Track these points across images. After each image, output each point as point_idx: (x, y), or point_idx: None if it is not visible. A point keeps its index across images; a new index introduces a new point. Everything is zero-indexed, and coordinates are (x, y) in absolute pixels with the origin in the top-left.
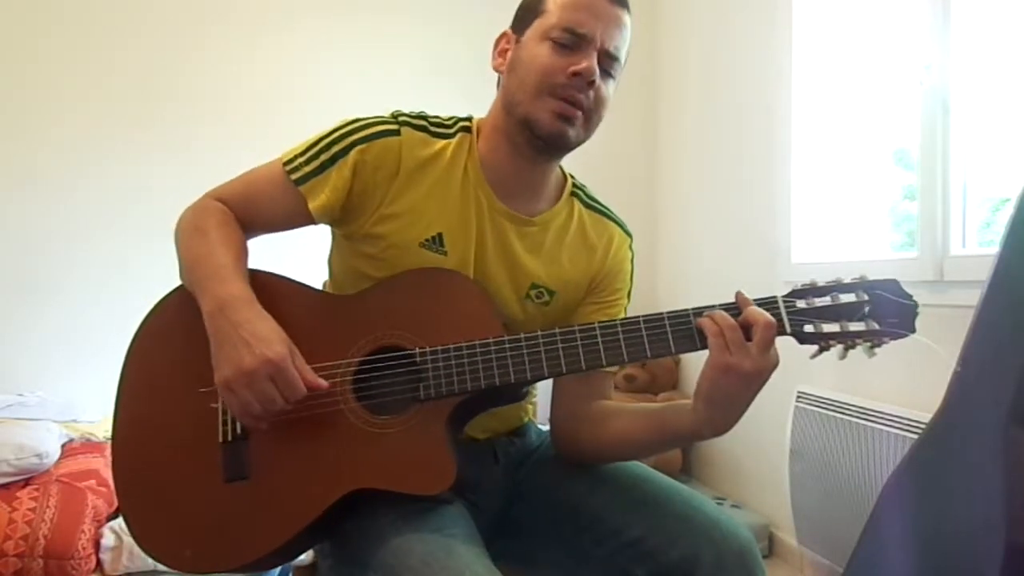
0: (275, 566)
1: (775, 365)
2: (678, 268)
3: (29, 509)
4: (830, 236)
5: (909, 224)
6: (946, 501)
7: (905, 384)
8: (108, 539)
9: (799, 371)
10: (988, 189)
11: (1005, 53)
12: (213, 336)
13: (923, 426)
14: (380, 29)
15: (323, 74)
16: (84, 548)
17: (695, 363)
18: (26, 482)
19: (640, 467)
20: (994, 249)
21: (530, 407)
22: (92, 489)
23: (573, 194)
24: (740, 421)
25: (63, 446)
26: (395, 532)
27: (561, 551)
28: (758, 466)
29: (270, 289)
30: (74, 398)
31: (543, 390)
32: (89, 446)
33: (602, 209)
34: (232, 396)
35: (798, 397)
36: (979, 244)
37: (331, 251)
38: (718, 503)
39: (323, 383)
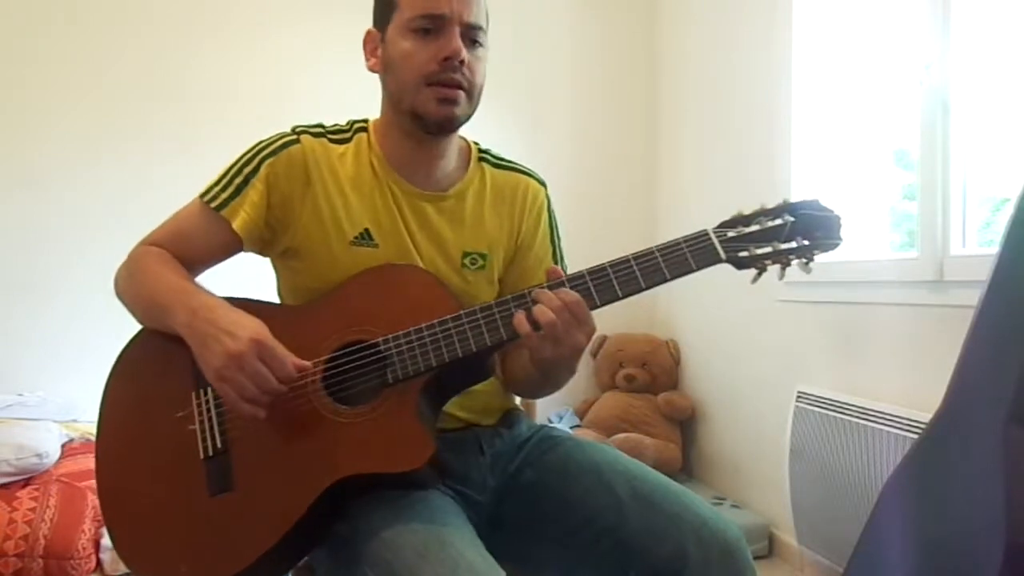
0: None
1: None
2: None
3: (29, 509)
4: None
5: (909, 224)
6: (946, 501)
7: (905, 384)
8: (108, 539)
9: (799, 371)
10: (988, 189)
11: (1005, 53)
12: (193, 341)
13: (923, 426)
14: None
15: (323, 74)
16: (84, 548)
17: (695, 364)
18: (26, 482)
19: (634, 464)
20: (994, 249)
21: (516, 397)
22: (92, 489)
23: (481, 159)
24: (740, 421)
25: (63, 446)
26: (387, 527)
27: (554, 549)
28: (758, 466)
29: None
30: (74, 398)
31: None
32: (89, 446)
33: (511, 165)
34: (226, 385)
35: (798, 397)
36: (979, 244)
37: (277, 284)
38: (718, 503)
39: (304, 363)
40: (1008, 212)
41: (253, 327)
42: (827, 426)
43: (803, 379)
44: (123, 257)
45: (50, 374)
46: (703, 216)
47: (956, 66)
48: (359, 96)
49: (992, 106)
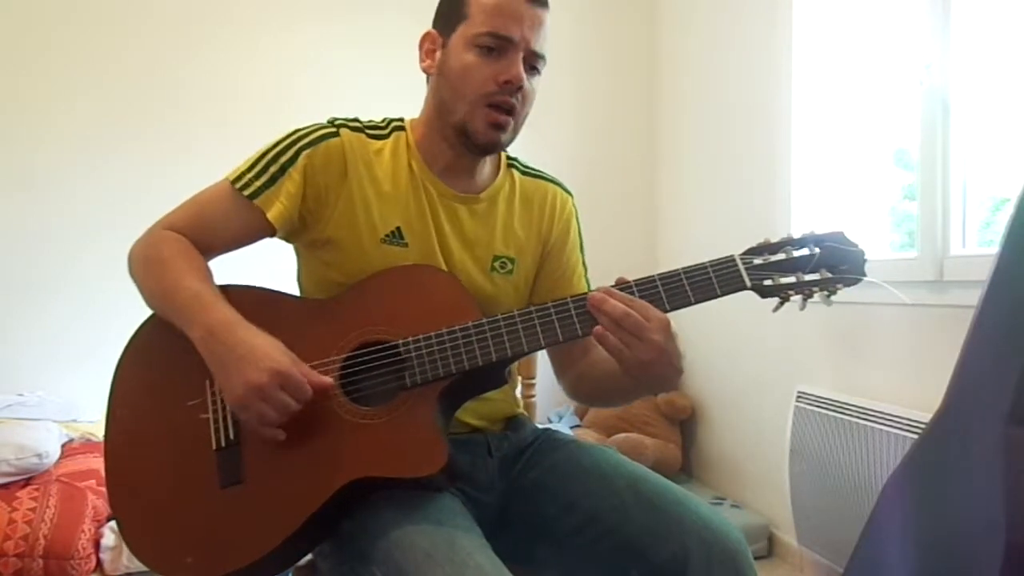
0: (277, 572)
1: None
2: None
3: (29, 509)
4: None
5: (909, 224)
6: (946, 501)
7: (905, 384)
8: (108, 539)
9: (799, 371)
10: (988, 189)
11: (1005, 53)
12: (210, 362)
13: (923, 426)
14: (380, 29)
15: (324, 74)
16: (84, 548)
17: (695, 364)
18: (26, 482)
19: (636, 467)
20: (994, 249)
21: (522, 400)
22: (92, 489)
23: (510, 165)
24: (740, 421)
25: (63, 446)
26: (396, 526)
27: (557, 549)
28: (758, 466)
29: (248, 300)
30: (74, 398)
31: (541, 390)
32: (89, 446)
33: (538, 173)
34: (248, 412)
35: (798, 397)
36: (979, 244)
37: (298, 269)
38: (718, 503)
39: (328, 381)
40: (1008, 212)
41: (276, 356)
42: (827, 426)
43: (803, 379)
44: (122, 257)
45: (50, 374)
46: (703, 218)
47: (956, 66)
48: (360, 96)
49: (992, 106)
